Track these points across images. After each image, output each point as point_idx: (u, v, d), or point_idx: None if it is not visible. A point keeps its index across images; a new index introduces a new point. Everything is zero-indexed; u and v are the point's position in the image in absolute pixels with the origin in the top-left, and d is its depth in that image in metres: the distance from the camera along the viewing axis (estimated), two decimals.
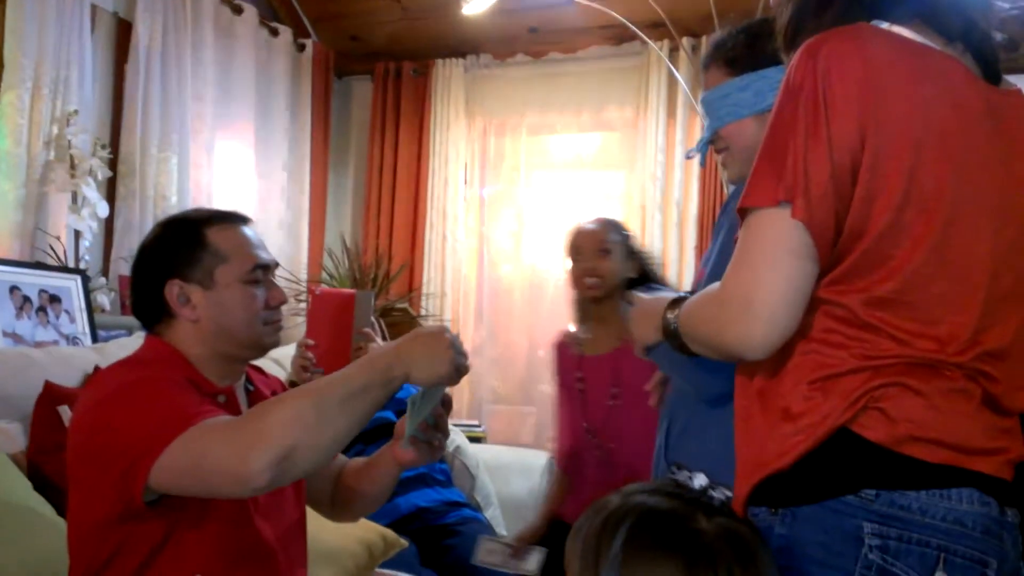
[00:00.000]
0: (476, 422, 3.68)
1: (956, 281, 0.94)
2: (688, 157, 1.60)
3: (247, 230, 1.41)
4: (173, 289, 1.34)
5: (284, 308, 1.42)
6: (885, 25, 0.97)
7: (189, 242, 1.36)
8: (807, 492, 0.94)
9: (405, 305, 3.77)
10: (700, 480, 0.91)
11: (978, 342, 0.94)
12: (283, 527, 1.38)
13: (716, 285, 1.00)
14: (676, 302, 1.11)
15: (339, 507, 1.53)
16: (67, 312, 2.52)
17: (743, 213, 0.97)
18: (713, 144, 1.37)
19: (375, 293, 3.56)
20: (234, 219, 1.41)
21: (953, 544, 0.90)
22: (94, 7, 2.90)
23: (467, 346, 4.05)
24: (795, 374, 0.97)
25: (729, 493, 0.88)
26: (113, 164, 2.90)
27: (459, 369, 1.21)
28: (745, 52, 1.31)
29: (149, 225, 2.47)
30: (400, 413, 2.46)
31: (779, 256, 0.93)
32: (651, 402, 1.61)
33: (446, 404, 1.48)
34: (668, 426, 1.38)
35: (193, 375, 1.33)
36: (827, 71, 0.92)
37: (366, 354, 2.06)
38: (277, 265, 1.45)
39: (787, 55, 1.03)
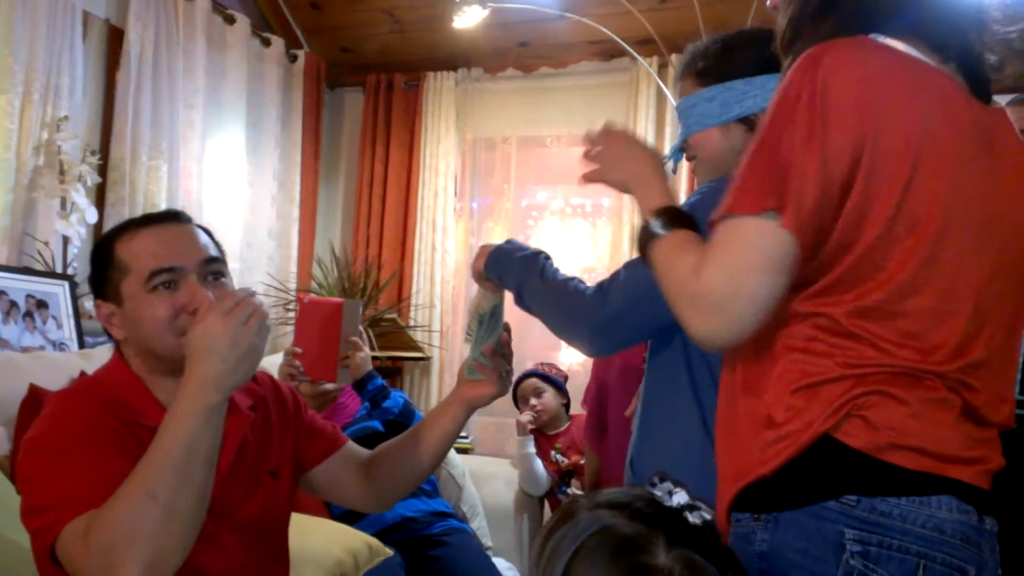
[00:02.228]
0: (464, 433, 3.68)
1: (943, 294, 0.95)
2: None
3: (162, 231, 1.30)
4: (101, 310, 1.31)
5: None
6: (883, 39, 0.98)
7: (100, 260, 1.31)
8: (789, 498, 0.95)
9: (394, 315, 3.77)
10: (679, 498, 0.83)
11: (962, 353, 0.96)
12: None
13: (697, 257, 0.98)
14: (669, 217, 1.09)
15: (383, 489, 1.51)
16: (54, 318, 2.51)
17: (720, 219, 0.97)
18: (684, 152, 1.41)
19: (364, 303, 3.56)
20: (149, 222, 1.32)
21: (932, 551, 0.91)
22: (86, 14, 2.91)
23: (456, 357, 4.05)
24: (779, 384, 0.98)
25: (708, 516, 0.83)
26: (103, 171, 2.90)
27: (264, 338, 1.13)
28: (715, 64, 1.35)
29: None
30: (388, 423, 2.48)
31: (763, 268, 0.93)
32: (627, 412, 1.64)
33: (506, 331, 1.46)
34: (635, 436, 1.41)
35: (139, 402, 1.27)
36: (826, 82, 0.92)
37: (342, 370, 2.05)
38: (212, 261, 1.31)
39: (784, 58, 1.05)
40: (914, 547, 0.91)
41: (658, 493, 0.83)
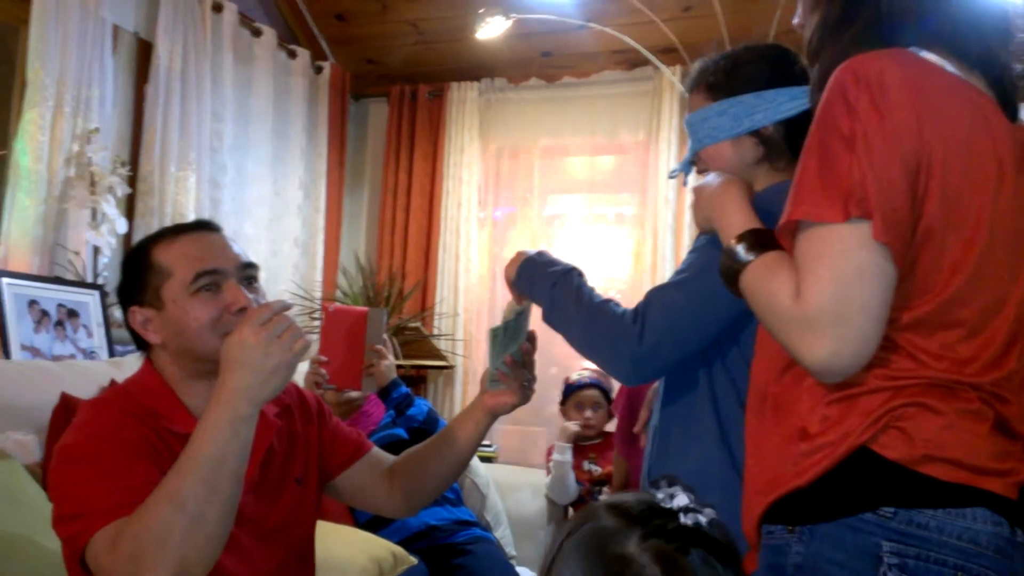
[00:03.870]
0: (487, 442, 3.68)
1: (984, 307, 0.95)
2: (671, 176, 1.62)
3: (200, 237, 1.33)
4: (135, 317, 1.31)
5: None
6: (919, 52, 0.98)
7: (137, 266, 1.32)
8: (825, 510, 0.95)
9: (418, 324, 3.79)
10: (679, 501, 0.79)
11: (997, 366, 0.95)
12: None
13: (792, 279, 0.93)
14: (752, 241, 1.03)
15: (408, 494, 1.51)
16: (85, 327, 2.55)
17: (794, 225, 0.95)
18: (695, 165, 1.41)
19: (388, 311, 3.58)
20: (185, 230, 1.35)
21: (968, 563, 0.91)
22: (116, 28, 2.95)
23: (479, 366, 4.05)
24: (813, 394, 0.98)
25: (703, 519, 0.78)
26: (132, 182, 2.93)
27: (297, 353, 1.13)
28: (725, 78, 1.36)
29: None
30: (412, 431, 2.49)
31: (866, 273, 0.90)
32: (636, 428, 1.63)
33: (530, 340, 1.46)
34: (651, 447, 1.41)
35: (169, 409, 1.29)
36: (883, 88, 0.91)
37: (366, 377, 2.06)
38: (248, 267, 1.34)
39: (811, 66, 1.06)
40: (951, 559, 0.90)
41: (660, 495, 0.81)
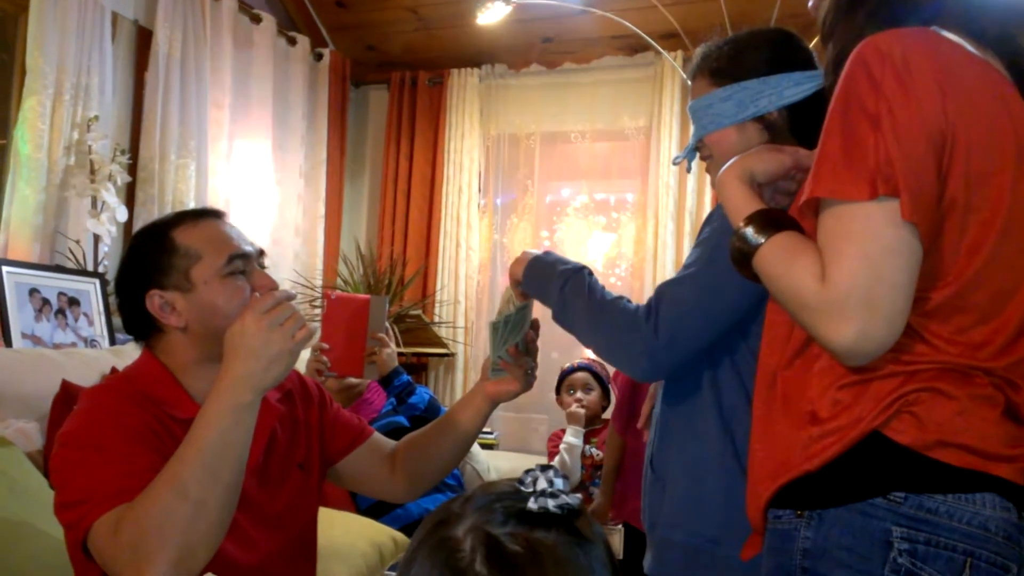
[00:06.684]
0: (488, 429, 3.69)
1: (997, 291, 0.94)
2: (675, 163, 1.62)
3: (220, 224, 1.34)
4: (154, 300, 1.29)
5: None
6: (941, 32, 0.97)
7: (158, 249, 1.30)
8: (835, 494, 0.94)
9: (419, 312, 3.79)
10: (540, 484, 0.73)
11: (1009, 351, 0.95)
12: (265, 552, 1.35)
13: (815, 260, 0.91)
14: (761, 222, 0.99)
15: (410, 479, 1.52)
16: (85, 315, 2.55)
17: (815, 203, 0.93)
18: (699, 151, 1.40)
19: (389, 299, 3.58)
20: (203, 215, 1.35)
21: (978, 548, 0.90)
22: (115, 15, 2.94)
23: (480, 353, 4.05)
24: (824, 378, 0.97)
25: (552, 504, 0.71)
26: (132, 170, 2.93)
27: (299, 341, 1.14)
28: (728, 64, 1.35)
29: None
30: (413, 419, 2.49)
31: (894, 250, 0.88)
32: (639, 424, 1.64)
33: (534, 328, 1.46)
34: (653, 436, 1.41)
35: (171, 396, 1.28)
36: (908, 66, 0.90)
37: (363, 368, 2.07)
38: (262, 254, 1.37)
39: (825, 46, 1.05)
40: (961, 545, 0.90)
41: (526, 479, 0.75)
